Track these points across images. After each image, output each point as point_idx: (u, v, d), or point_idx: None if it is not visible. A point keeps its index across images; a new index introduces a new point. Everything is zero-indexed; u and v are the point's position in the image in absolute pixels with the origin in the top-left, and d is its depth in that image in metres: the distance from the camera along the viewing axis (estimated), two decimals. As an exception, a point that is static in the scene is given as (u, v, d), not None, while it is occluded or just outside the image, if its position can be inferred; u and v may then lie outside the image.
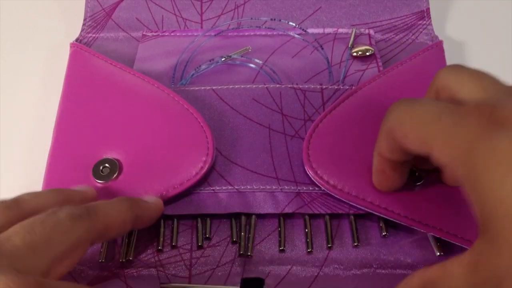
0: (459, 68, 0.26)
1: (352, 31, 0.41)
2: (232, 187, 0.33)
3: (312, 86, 0.37)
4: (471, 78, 0.25)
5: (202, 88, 0.37)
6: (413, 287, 0.24)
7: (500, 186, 0.20)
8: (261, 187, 0.33)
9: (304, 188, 0.33)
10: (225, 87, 0.37)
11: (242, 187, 0.33)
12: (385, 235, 0.33)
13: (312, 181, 0.33)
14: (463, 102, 0.24)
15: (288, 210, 0.33)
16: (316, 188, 0.33)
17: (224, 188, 0.33)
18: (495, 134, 0.21)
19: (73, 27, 0.43)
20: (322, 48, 0.40)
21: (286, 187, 0.33)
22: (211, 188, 0.33)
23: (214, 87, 0.37)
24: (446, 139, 0.23)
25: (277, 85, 0.37)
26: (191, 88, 0.37)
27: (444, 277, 0.22)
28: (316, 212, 0.33)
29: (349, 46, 0.40)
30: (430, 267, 0.23)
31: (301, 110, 0.36)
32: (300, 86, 0.37)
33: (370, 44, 0.40)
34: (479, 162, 0.21)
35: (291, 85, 0.37)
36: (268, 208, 0.33)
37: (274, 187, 0.33)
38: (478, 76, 0.25)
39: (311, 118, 0.36)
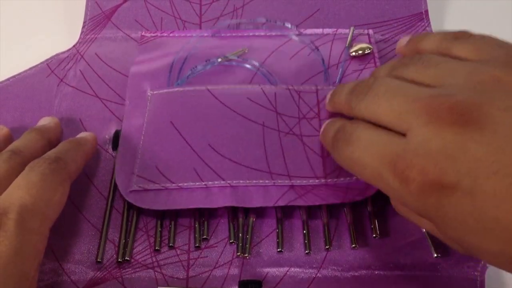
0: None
1: (350, 29, 0.41)
2: (225, 182, 0.33)
3: (307, 87, 0.37)
4: None
5: (198, 88, 0.37)
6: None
7: None
8: (254, 181, 0.33)
9: (298, 181, 0.33)
10: (220, 87, 0.37)
11: (235, 182, 0.33)
12: (375, 236, 0.32)
13: (306, 173, 0.33)
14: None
15: (281, 203, 0.33)
16: (310, 180, 0.33)
17: (216, 182, 0.33)
18: None
19: (74, 29, 0.44)
20: (318, 50, 0.40)
21: (279, 181, 0.33)
22: (203, 183, 0.33)
23: (209, 87, 0.37)
24: None
25: (272, 86, 0.37)
26: (186, 89, 0.37)
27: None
28: (310, 203, 0.33)
29: (347, 45, 0.40)
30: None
31: (296, 109, 0.36)
32: (295, 88, 0.37)
33: (370, 43, 0.40)
34: None
35: (286, 86, 0.37)
36: (260, 202, 0.33)
37: (267, 181, 0.33)
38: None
39: (306, 116, 0.36)
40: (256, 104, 0.36)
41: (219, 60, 0.39)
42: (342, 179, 0.33)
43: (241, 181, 0.33)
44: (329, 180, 0.33)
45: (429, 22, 0.42)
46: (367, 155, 0.26)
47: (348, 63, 0.39)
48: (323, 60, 0.39)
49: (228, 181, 0.33)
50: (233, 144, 0.35)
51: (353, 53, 0.39)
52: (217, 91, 0.37)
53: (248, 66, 0.39)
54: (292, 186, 0.33)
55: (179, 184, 0.33)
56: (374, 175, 0.26)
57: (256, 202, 0.33)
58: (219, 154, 0.34)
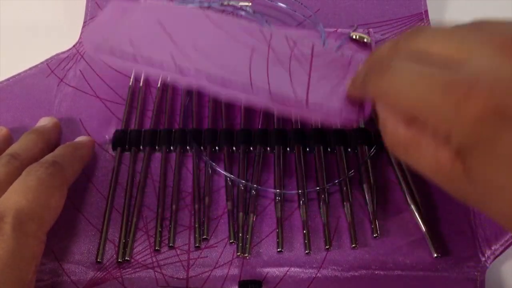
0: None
1: (355, 26, 0.41)
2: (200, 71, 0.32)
3: (305, 40, 0.35)
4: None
5: (195, 10, 0.36)
6: None
7: None
8: (233, 86, 0.32)
9: (279, 96, 0.31)
10: (218, 15, 0.35)
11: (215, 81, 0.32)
12: (375, 236, 0.33)
13: (288, 96, 0.32)
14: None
15: (257, 102, 0.31)
16: (291, 100, 0.31)
17: (192, 72, 0.32)
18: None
19: (74, 29, 0.44)
20: (320, 24, 0.39)
21: (259, 92, 0.31)
22: (181, 74, 0.32)
23: (207, 12, 0.35)
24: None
25: (270, 29, 0.35)
26: (183, 5, 0.36)
27: None
28: (288, 114, 0.32)
29: (351, 32, 0.40)
30: None
31: (289, 52, 0.34)
32: (293, 37, 0.35)
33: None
34: None
35: (283, 34, 0.35)
36: (238, 89, 0.31)
37: (246, 89, 0.31)
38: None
39: (298, 59, 0.34)
40: (250, 35, 0.34)
41: (221, 2, 0.38)
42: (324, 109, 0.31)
43: (222, 82, 0.32)
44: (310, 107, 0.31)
45: (429, 22, 0.43)
46: (411, 84, 0.24)
47: (346, 42, 0.39)
48: (323, 32, 0.39)
49: (208, 79, 0.31)
50: (218, 53, 0.33)
51: (354, 36, 0.39)
52: (214, 17, 0.35)
53: (249, 15, 0.38)
54: (271, 99, 0.31)
55: (151, 58, 0.32)
56: (419, 105, 0.24)
57: (233, 89, 0.31)
58: (201, 55, 0.32)
